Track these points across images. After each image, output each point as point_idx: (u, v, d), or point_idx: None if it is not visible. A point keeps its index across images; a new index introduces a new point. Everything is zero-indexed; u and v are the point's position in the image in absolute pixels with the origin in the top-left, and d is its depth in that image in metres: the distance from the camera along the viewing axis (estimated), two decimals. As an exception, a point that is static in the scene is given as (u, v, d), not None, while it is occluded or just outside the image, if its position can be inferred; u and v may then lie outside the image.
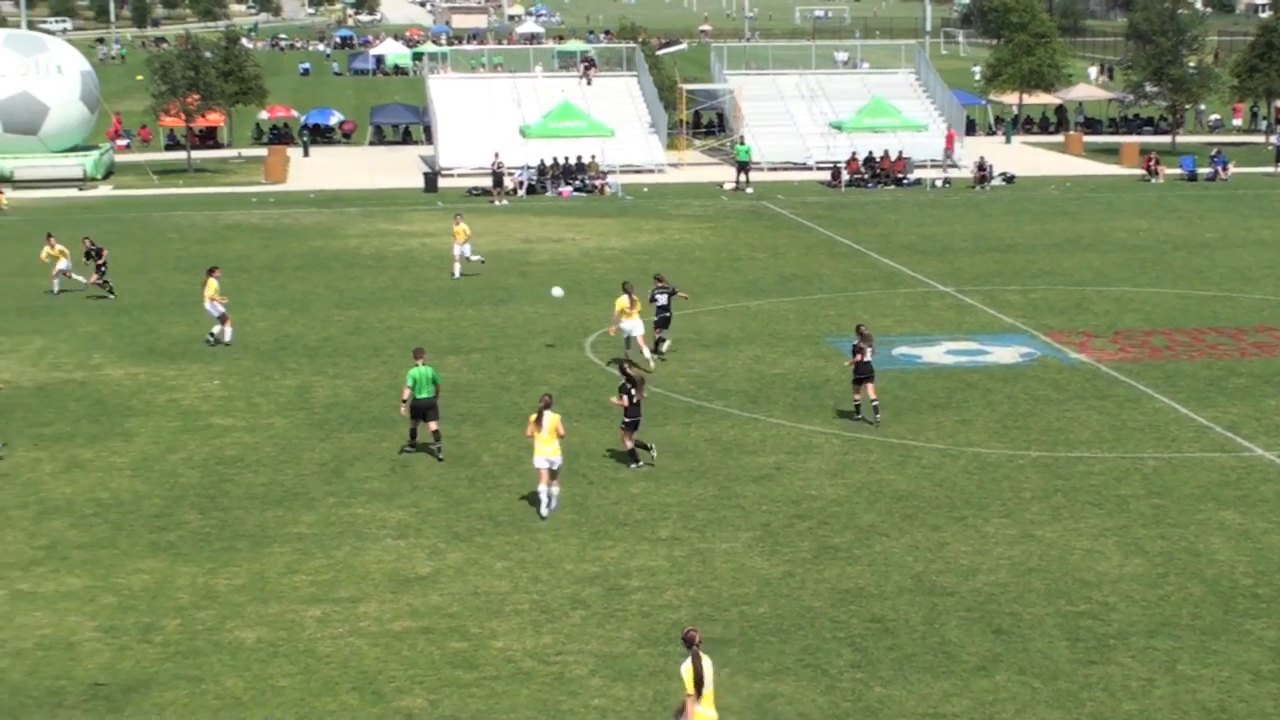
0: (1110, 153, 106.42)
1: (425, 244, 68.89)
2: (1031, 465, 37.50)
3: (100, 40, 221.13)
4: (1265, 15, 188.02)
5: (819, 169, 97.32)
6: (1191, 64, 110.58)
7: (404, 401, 38.43)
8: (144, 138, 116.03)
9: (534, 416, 34.14)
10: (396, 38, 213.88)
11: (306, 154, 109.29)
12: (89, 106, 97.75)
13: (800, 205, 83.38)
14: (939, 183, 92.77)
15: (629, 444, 37.48)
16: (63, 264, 59.49)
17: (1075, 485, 35.98)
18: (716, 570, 30.94)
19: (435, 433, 38.50)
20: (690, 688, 21.99)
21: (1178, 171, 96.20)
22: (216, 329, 50.97)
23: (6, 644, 27.85)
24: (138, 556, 32.07)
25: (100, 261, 58.55)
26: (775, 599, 29.42)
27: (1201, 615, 28.63)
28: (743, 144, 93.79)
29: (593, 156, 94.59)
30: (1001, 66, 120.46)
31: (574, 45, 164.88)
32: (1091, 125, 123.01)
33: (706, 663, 22.18)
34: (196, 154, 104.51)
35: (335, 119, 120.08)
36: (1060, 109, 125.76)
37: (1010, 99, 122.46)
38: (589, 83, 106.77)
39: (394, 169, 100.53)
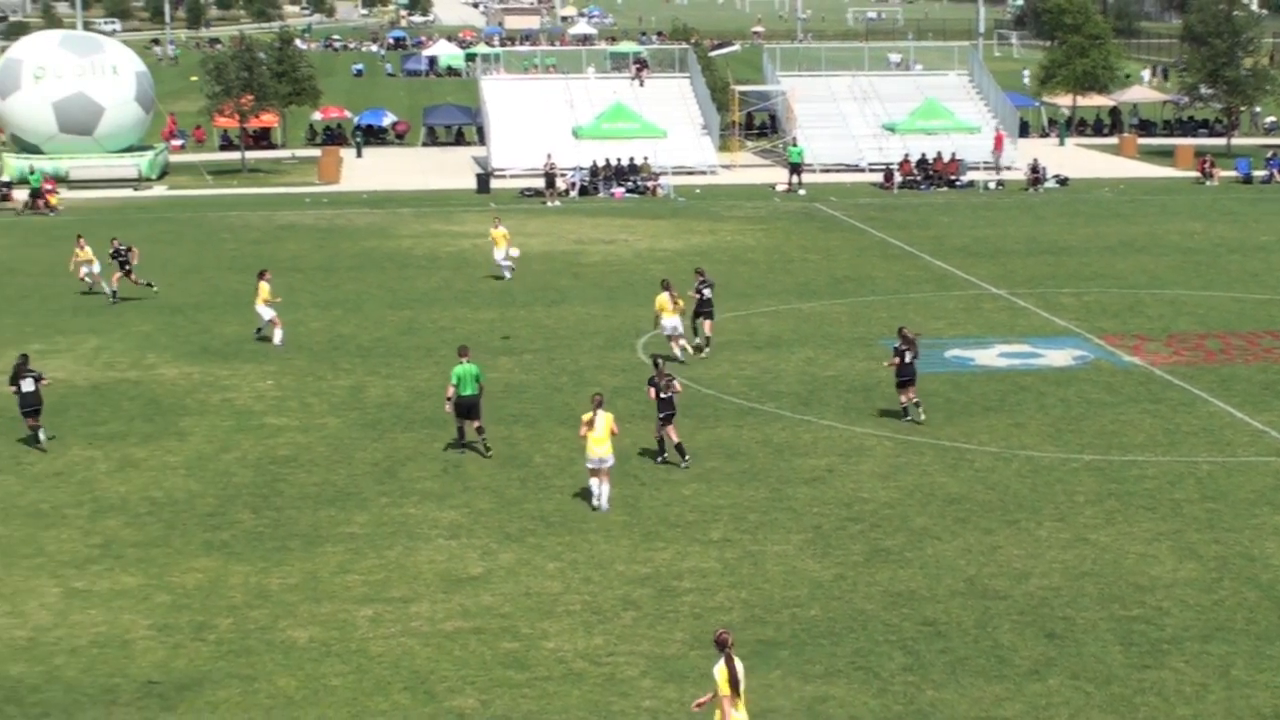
0: (1165, 155, 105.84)
1: (478, 245, 68.95)
2: (1085, 469, 37.36)
3: (155, 41, 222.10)
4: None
5: (871, 171, 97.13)
6: (1247, 66, 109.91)
7: (449, 399, 38.67)
8: (198, 138, 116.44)
9: (587, 416, 34.27)
10: (449, 39, 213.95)
11: (360, 155, 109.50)
12: (144, 107, 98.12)
13: (853, 207, 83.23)
14: (992, 185, 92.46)
15: (673, 437, 37.47)
16: (93, 266, 59.43)
17: (1129, 489, 35.83)
18: (768, 572, 30.92)
19: (478, 428, 38.70)
20: (725, 689, 21.99)
21: (1232, 174, 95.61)
22: (264, 328, 51.28)
23: (62, 641, 28.02)
24: (191, 555, 32.22)
25: (128, 265, 58.37)
26: (827, 601, 29.39)
27: (1256, 620, 28.48)
28: (795, 145, 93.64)
29: (645, 158, 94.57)
30: (1055, 68, 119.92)
31: (626, 46, 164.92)
32: (1146, 127, 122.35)
33: (738, 664, 22.18)
34: (250, 154, 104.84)
35: (388, 120, 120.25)
36: (1114, 111, 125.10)
37: (1064, 101, 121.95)
38: (641, 84, 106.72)
39: (446, 170, 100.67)
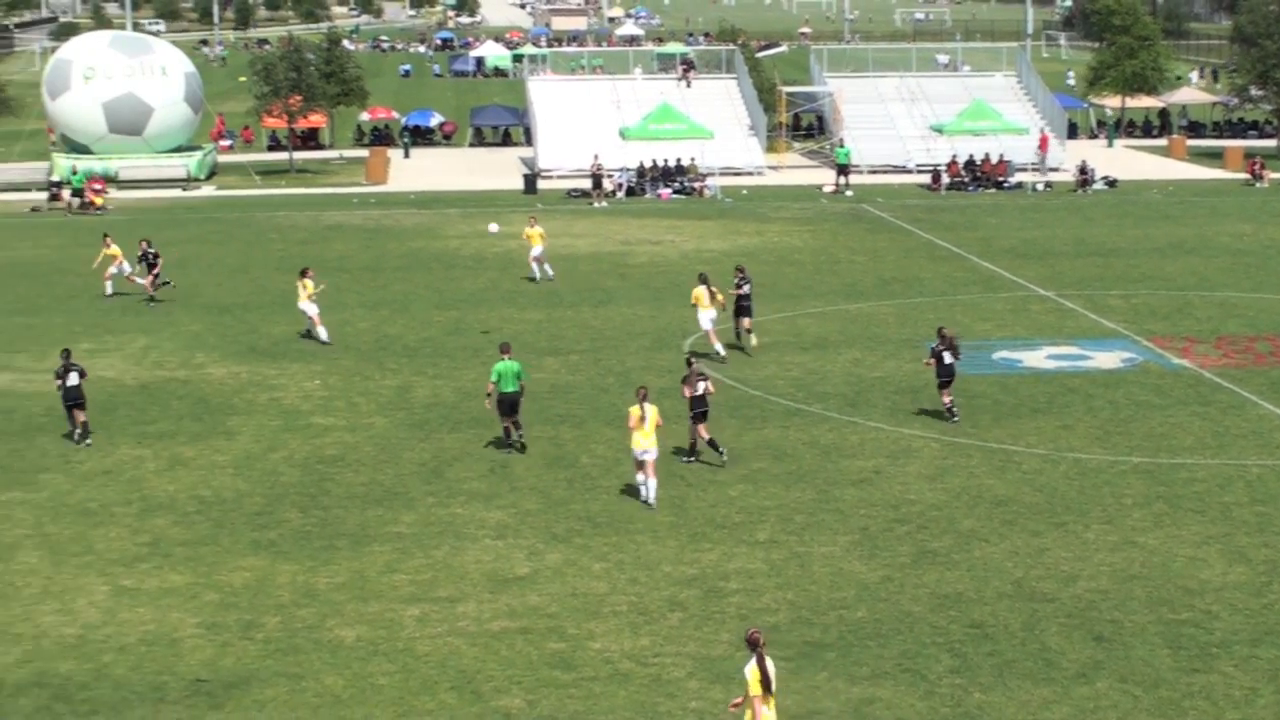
0: (1214, 157, 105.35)
1: (525, 245, 68.98)
2: (1133, 471, 37.21)
3: (204, 42, 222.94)
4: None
5: (919, 172, 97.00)
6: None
7: (488, 395, 38.96)
8: (246, 138, 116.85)
9: (638, 410, 34.41)
10: (497, 40, 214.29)
11: (407, 155, 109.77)
12: (193, 107, 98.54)
13: (900, 208, 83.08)
14: (1040, 186, 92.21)
15: (703, 435, 37.55)
16: (123, 266, 59.37)
17: (1177, 492, 35.67)
18: (815, 574, 30.88)
19: (515, 423, 38.88)
20: (755, 689, 21.99)
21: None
22: (311, 329, 51.51)
23: (110, 639, 28.13)
24: (239, 554, 32.32)
25: (155, 269, 58.40)
26: (874, 603, 29.33)
27: (1306, 624, 28.37)
28: (842, 146, 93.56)
29: (692, 159, 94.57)
30: (1104, 70, 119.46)
31: (673, 47, 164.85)
32: (1195, 129, 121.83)
33: (770, 664, 22.17)
34: (298, 155, 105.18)
35: (436, 120, 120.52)
36: (1163, 112, 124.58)
37: (1112, 102, 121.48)
38: (688, 85, 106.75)
39: (494, 170, 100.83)
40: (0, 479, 37.51)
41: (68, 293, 60.26)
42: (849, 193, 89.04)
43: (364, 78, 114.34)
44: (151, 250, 58.94)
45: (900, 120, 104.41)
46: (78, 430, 40.37)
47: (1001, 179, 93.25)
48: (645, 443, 34.61)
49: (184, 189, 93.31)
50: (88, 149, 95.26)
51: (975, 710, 24.99)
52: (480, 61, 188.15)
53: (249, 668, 26.86)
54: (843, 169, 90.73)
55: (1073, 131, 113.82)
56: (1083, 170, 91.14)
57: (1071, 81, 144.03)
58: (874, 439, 39.95)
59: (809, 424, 41.40)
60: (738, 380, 45.74)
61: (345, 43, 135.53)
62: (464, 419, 41.94)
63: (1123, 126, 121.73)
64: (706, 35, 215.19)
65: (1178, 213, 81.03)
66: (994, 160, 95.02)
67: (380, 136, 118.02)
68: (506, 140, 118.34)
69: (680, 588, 30.25)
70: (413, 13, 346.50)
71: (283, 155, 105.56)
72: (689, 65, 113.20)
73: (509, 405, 38.72)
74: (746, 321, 49.79)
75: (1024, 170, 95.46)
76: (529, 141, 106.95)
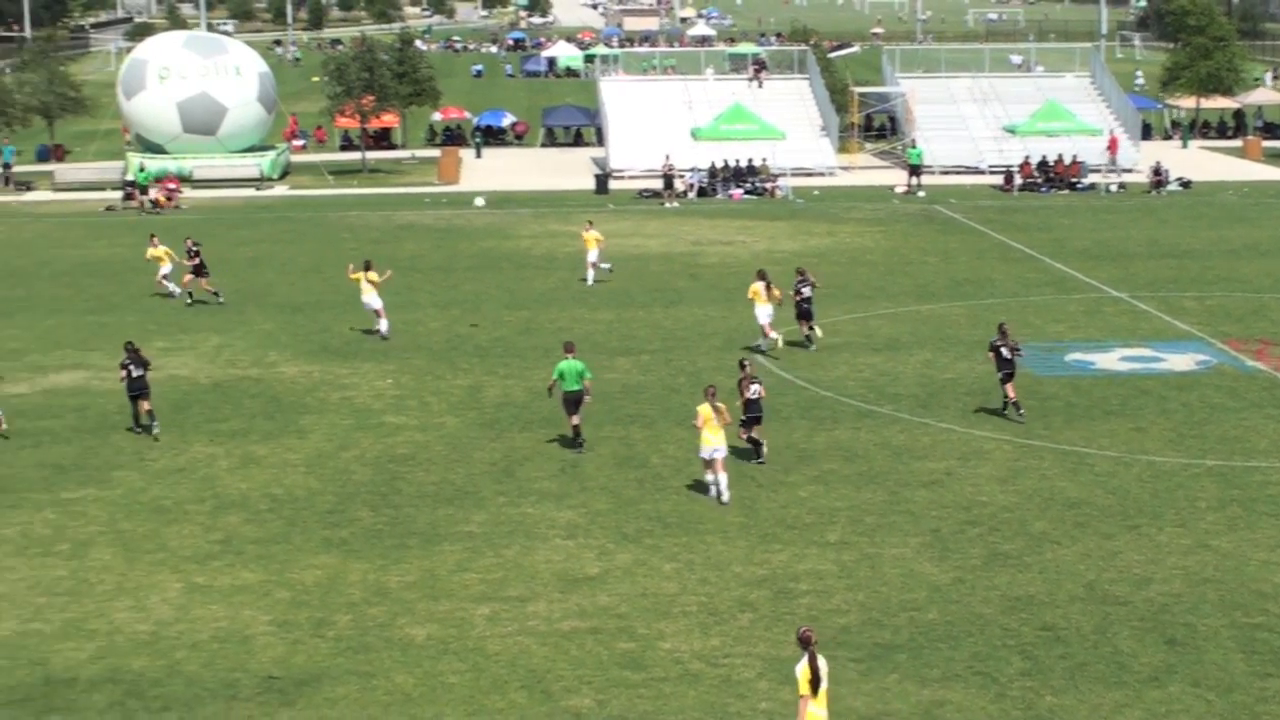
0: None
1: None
2: (1207, 474, 36.97)
3: (277, 42, 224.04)
4: None
5: (991, 173, 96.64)
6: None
7: (549, 390, 39.41)
8: (319, 138, 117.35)
9: (706, 409, 34.56)
10: (568, 40, 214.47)
11: (479, 155, 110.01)
12: (266, 107, 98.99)
13: (972, 209, 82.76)
14: (1113, 187, 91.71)
15: (746, 436, 37.59)
16: (165, 268, 59.37)
17: (1252, 495, 35.43)
18: (885, 575, 30.80)
19: (575, 427, 38.97)
20: (804, 688, 21.98)
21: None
22: (379, 326, 51.84)
23: (183, 636, 28.30)
24: (311, 552, 32.47)
25: (196, 263, 58.33)
26: (945, 605, 29.24)
27: (1382, 629, 28.13)
28: (914, 147, 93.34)
29: (763, 159, 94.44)
30: (1179, 70, 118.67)
31: (745, 48, 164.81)
32: (1271, 130, 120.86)
33: (822, 663, 22.17)
34: (371, 155, 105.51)
35: (507, 120, 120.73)
36: (1238, 113, 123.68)
37: (1187, 103, 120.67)
38: (760, 85, 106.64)
39: (565, 171, 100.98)
40: (75, 476, 37.80)
41: (141, 291, 60.60)
42: (921, 193, 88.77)
43: (436, 78, 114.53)
44: (196, 248, 58.91)
45: (973, 121, 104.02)
46: (143, 419, 40.99)
47: (1075, 180, 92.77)
48: (715, 441, 34.74)
49: (257, 189, 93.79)
50: (162, 148, 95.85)
51: (1046, 713, 24.88)
52: (552, 62, 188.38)
53: (320, 665, 26.98)
54: (915, 170, 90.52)
55: (1147, 133, 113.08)
56: (1157, 171, 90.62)
57: (1140, 82, 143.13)
58: (946, 440, 39.83)
59: (880, 425, 41.30)
60: (809, 381, 45.68)
61: (418, 43, 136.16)
62: (535, 419, 42.00)
63: (1197, 127, 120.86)
64: (778, 35, 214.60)
65: (1253, 214, 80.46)
66: (1067, 161, 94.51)
67: (452, 136, 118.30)
68: (578, 140, 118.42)
69: (750, 588, 30.23)
70: (485, 13, 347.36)
71: (355, 155, 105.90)
72: (761, 65, 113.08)
73: (572, 403, 38.93)
74: (807, 323, 49.79)
75: (1097, 171, 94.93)
76: (600, 142, 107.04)
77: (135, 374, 40.74)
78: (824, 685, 22.14)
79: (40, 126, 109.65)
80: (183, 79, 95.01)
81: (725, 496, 34.94)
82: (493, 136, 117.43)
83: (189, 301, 57.97)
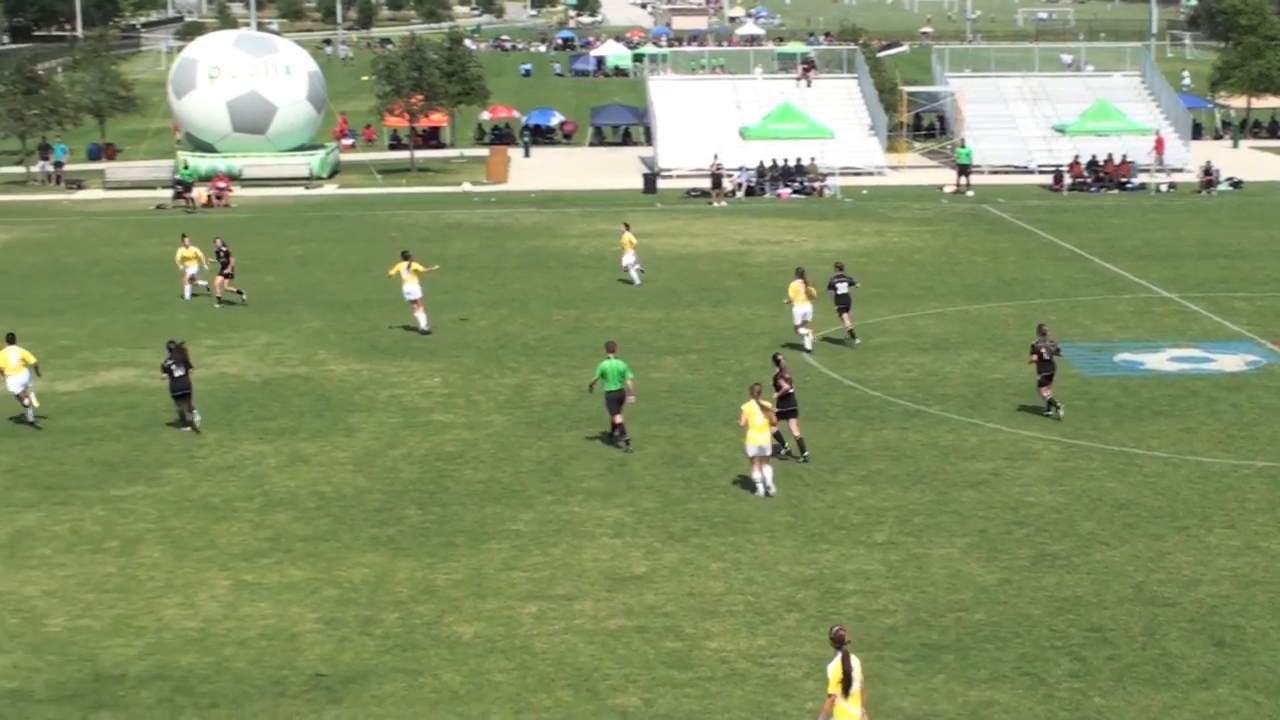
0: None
1: (644, 245, 68.95)
2: (1257, 475, 36.79)
3: (326, 41, 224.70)
4: None
5: (1040, 172, 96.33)
6: None
7: (590, 388, 39.82)
8: (368, 137, 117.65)
9: (751, 407, 34.71)
10: (617, 39, 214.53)
11: (527, 154, 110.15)
12: (315, 106, 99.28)
13: (1021, 209, 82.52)
14: (1163, 187, 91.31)
15: (794, 431, 37.70)
16: (193, 269, 59.27)
17: (1302, 497, 35.30)
18: (933, 576, 30.74)
19: (619, 425, 39.03)
20: (834, 687, 22.04)
21: None
22: (417, 314, 52.55)
23: (231, 633, 28.41)
24: (359, 550, 32.56)
25: (227, 267, 58.38)
26: (992, 606, 29.17)
27: None
28: (963, 146, 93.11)
29: (812, 158, 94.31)
30: (1230, 69, 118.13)
31: (794, 47, 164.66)
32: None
33: (855, 662, 22.21)
34: (419, 154, 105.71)
35: (556, 120, 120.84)
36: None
37: (1238, 102, 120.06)
38: (808, 85, 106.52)
39: (613, 170, 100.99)
40: (124, 473, 37.98)
41: (191, 289, 60.77)
42: (970, 193, 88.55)
43: (485, 77, 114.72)
44: (225, 249, 58.84)
45: (1022, 120, 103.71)
46: (187, 415, 41.32)
47: (1124, 180, 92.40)
48: (760, 439, 34.86)
49: (306, 187, 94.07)
50: (212, 147, 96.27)
51: (1094, 715, 24.80)
52: (601, 61, 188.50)
53: (368, 663, 27.05)
54: (964, 169, 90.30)
55: (1197, 132, 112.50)
56: (1207, 171, 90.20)
57: (1187, 82, 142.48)
58: (993, 441, 39.73)
59: (928, 425, 41.22)
60: (857, 380, 45.63)
61: (467, 42, 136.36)
62: (582, 417, 42.02)
63: (1248, 127, 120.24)
64: (827, 35, 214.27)
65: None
66: (1117, 161, 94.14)
67: (501, 135, 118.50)
68: (626, 140, 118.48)
69: (797, 588, 30.20)
70: (534, 12, 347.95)
71: (404, 154, 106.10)
72: (809, 65, 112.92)
73: (614, 402, 39.05)
74: (846, 318, 49.93)
75: (1147, 171, 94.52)
76: (649, 141, 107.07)
77: (178, 374, 40.98)
78: (856, 686, 22.16)
79: (91, 125, 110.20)
80: (233, 78, 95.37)
81: (772, 490, 35.14)
82: (541, 136, 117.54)
83: (217, 305, 57.95)
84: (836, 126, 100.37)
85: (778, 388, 37.42)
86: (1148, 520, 33.73)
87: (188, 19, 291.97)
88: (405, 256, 53.01)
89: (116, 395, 45.51)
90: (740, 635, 27.98)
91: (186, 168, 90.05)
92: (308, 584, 30.74)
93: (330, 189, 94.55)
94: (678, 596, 29.84)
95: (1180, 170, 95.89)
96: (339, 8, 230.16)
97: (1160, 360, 48.29)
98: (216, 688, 26.17)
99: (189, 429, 41.19)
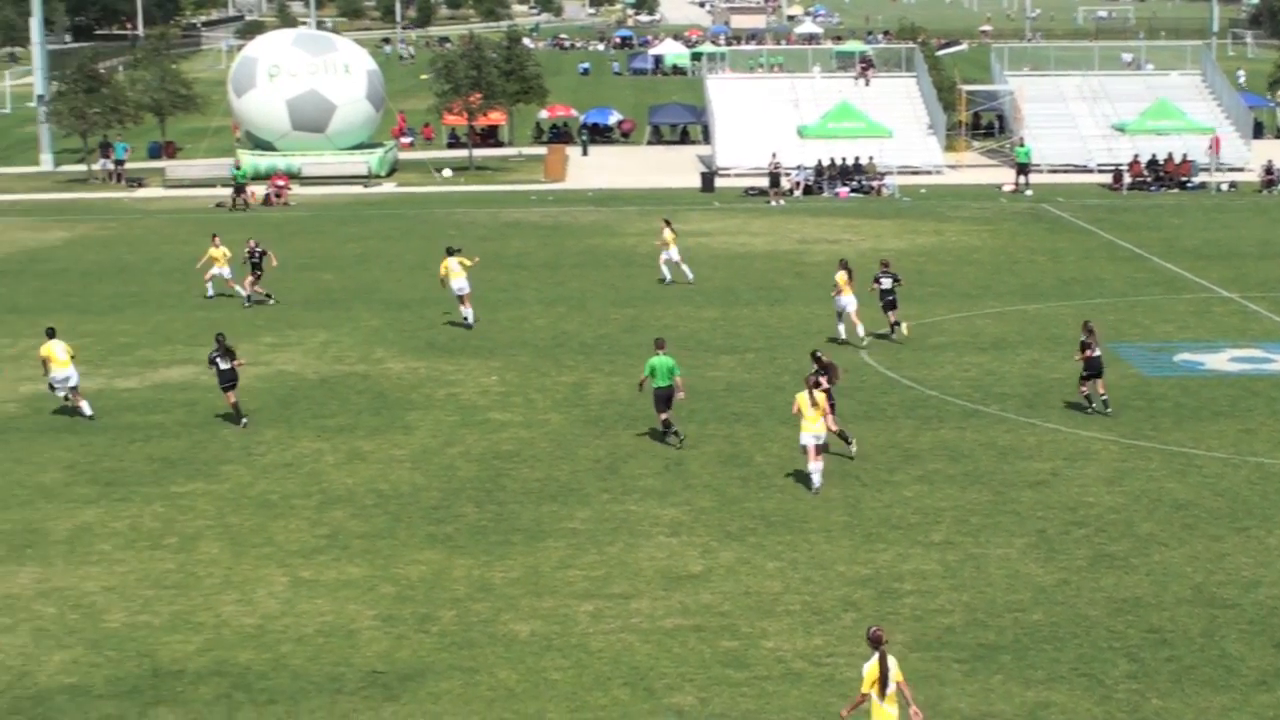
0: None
1: (702, 243, 69.08)
2: (1318, 477, 36.61)
3: (385, 40, 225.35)
4: None
5: (1100, 171, 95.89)
6: None
7: (639, 386, 39.85)
8: (427, 136, 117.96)
9: (804, 396, 34.90)
10: (675, 38, 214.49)
11: (585, 153, 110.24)
12: (374, 105, 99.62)
13: (1080, 208, 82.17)
14: (1224, 186, 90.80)
15: (832, 427, 37.50)
16: (222, 270, 58.89)
17: (1364, 498, 35.05)
18: (990, 576, 30.64)
19: (666, 421, 39.06)
20: (867, 686, 22.11)
21: None
22: (463, 309, 53.05)
23: (289, 630, 28.52)
24: (416, 548, 32.64)
25: (260, 268, 58.35)
26: (1050, 606, 29.06)
27: None
28: (1022, 146, 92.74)
29: (870, 157, 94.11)
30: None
31: (852, 46, 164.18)
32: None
33: (892, 663, 22.25)
34: (478, 152, 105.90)
35: (614, 118, 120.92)
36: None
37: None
38: (867, 83, 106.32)
39: (671, 168, 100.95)
40: (184, 470, 38.17)
41: (214, 287, 60.96)
42: (1029, 192, 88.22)
43: (543, 75, 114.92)
44: (259, 250, 58.82)
45: (1082, 119, 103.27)
46: (231, 410, 41.72)
47: (1185, 179, 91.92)
48: (813, 427, 35.08)
49: (365, 185, 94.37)
50: (271, 145, 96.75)
51: (1152, 716, 24.69)
52: (659, 59, 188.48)
53: (424, 660, 27.12)
54: (1023, 168, 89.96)
55: (1258, 131, 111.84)
56: (1268, 170, 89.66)
57: (1242, 80, 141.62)
58: (1052, 441, 39.57)
59: (986, 425, 41.09)
60: (914, 380, 45.52)
61: (525, 41, 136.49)
62: (639, 416, 42.01)
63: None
64: (886, 33, 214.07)
65: (1367, 214, 79.52)
66: (1177, 160, 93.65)
67: (559, 134, 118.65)
68: (684, 138, 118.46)
69: (854, 588, 30.15)
70: (592, 11, 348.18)
71: (462, 152, 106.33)
72: (868, 63, 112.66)
73: (663, 400, 39.08)
74: (892, 315, 50.22)
75: (1207, 170, 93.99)
76: (707, 139, 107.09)
77: (224, 366, 41.26)
78: (891, 688, 22.12)
79: (152, 124, 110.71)
80: (292, 76, 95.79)
81: (817, 483, 35.28)
82: (599, 134, 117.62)
83: (246, 305, 58.00)
84: (895, 125, 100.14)
85: (817, 385, 37.23)
86: (1207, 521, 33.56)
87: (248, 18, 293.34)
88: (450, 252, 53.32)
89: (176, 392, 45.76)
90: (797, 635, 27.95)
91: (239, 168, 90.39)
92: (365, 581, 30.84)
93: (389, 187, 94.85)
94: (734, 595, 29.82)
95: (1241, 169, 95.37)
96: (398, 6, 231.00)
97: (1220, 360, 48.03)
98: (274, 684, 26.28)
99: (239, 422, 41.39)
